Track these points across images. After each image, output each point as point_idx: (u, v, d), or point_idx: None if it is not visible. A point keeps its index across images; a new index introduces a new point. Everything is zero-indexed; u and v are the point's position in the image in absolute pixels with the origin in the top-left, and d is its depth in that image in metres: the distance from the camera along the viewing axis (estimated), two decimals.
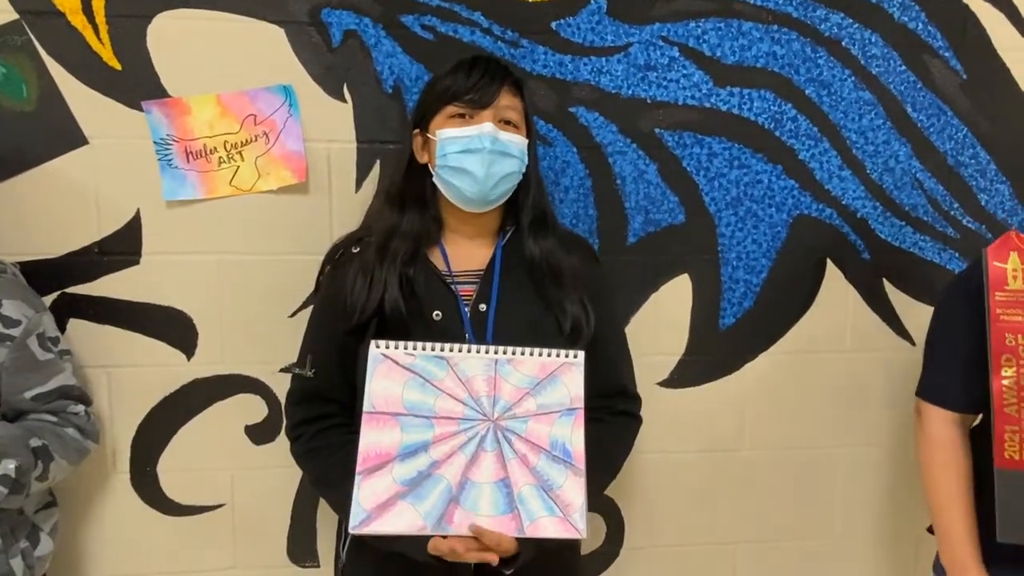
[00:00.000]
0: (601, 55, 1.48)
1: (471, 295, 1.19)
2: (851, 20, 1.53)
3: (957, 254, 1.63)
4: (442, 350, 1.12)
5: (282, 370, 1.26)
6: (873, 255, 1.61)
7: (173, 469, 1.48)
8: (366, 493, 1.06)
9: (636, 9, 1.48)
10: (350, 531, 1.05)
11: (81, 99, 1.37)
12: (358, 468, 1.07)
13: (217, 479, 1.49)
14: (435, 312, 1.17)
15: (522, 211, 1.23)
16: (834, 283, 1.61)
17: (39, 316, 1.28)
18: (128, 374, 1.44)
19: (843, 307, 1.61)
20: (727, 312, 1.59)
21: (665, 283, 1.56)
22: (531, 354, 1.13)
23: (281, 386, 1.48)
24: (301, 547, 1.53)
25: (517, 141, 1.18)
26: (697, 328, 1.58)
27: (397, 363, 1.11)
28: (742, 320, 1.59)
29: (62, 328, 1.40)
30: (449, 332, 1.16)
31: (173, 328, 1.44)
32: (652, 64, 1.50)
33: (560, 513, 1.08)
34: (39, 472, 1.20)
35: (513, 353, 1.13)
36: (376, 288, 1.16)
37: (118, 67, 1.37)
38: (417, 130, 1.22)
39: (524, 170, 1.21)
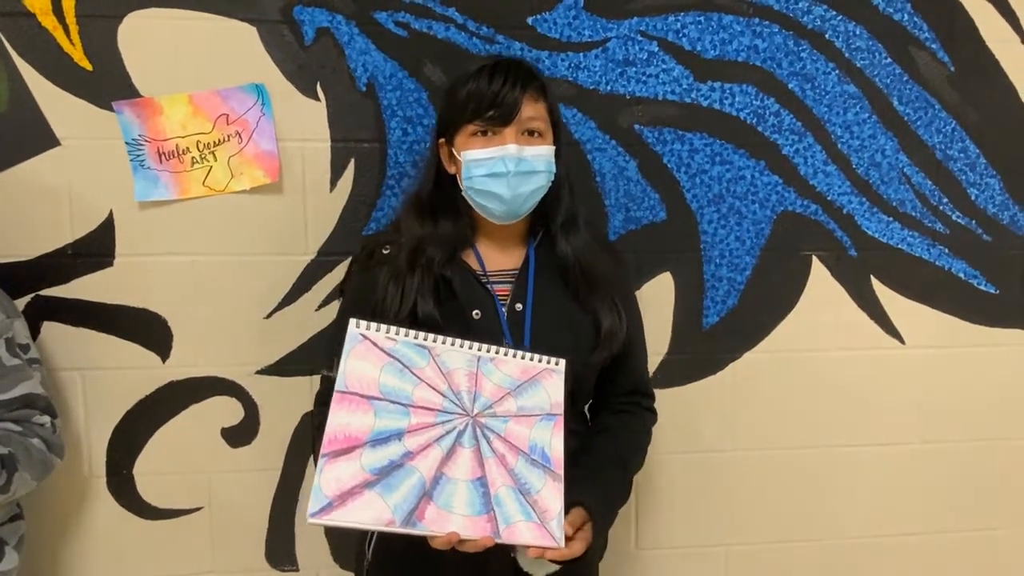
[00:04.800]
0: (579, 50, 1.46)
1: (507, 295, 1.18)
2: (835, 12, 1.51)
3: (947, 250, 1.60)
4: (424, 339, 1.07)
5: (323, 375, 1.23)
6: (860, 251, 1.58)
7: (149, 472, 1.46)
8: (329, 478, 0.97)
9: (614, 3, 1.45)
10: (308, 519, 0.97)
11: (52, 100, 1.36)
12: (323, 450, 0.99)
13: (194, 482, 1.48)
14: (474, 311, 1.16)
15: (552, 217, 1.21)
16: (820, 280, 1.58)
17: (9, 321, 1.26)
18: (103, 377, 1.43)
19: (830, 305, 1.58)
20: (710, 311, 1.56)
21: (647, 282, 1.53)
22: (513, 356, 1.10)
23: (257, 388, 1.47)
24: (280, 550, 1.51)
25: (543, 153, 1.15)
26: (680, 327, 1.55)
27: (376, 345, 1.05)
28: (726, 319, 1.56)
29: (36, 331, 1.39)
30: (488, 332, 1.14)
31: (147, 330, 1.43)
32: (631, 59, 1.47)
33: (537, 519, 1.03)
34: (2, 482, 1.17)
35: (496, 352, 1.10)
36: (408, 295, 1.14)
37: (89, 68, 1.36)
38: (443, 139, 1.19)
39: (553, 175, 1.18)
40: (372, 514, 0.97)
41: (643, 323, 1.32)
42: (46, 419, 1.27)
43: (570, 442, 1.19)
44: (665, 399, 1.54)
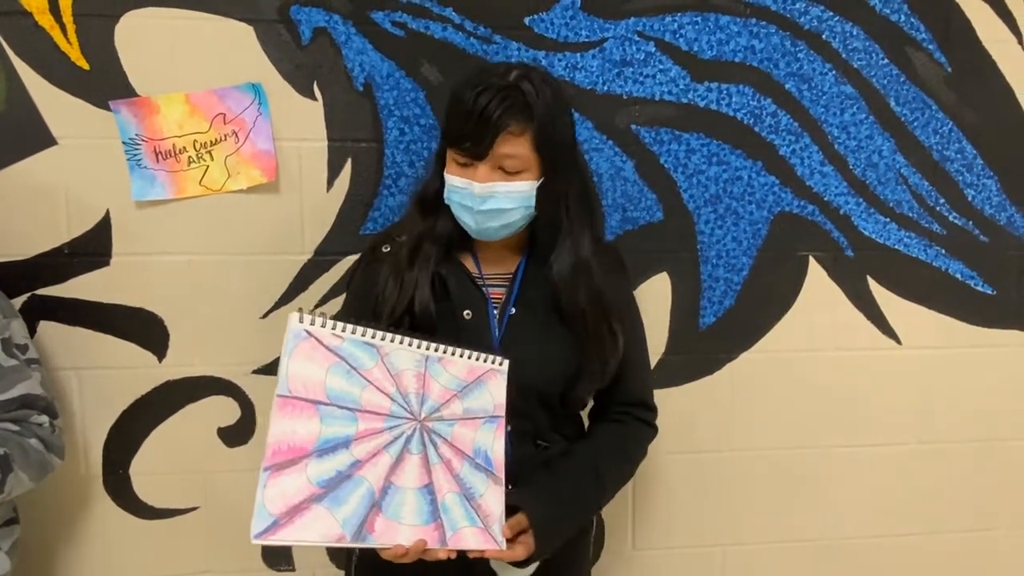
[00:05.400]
0: (576, 51, 1.46)
1: (501, 298, 1.18)
2: (832, 12, 1.51)
3: (943, 251, 1.60)
4: (372, 336, 1.01)
5: None
6: (857, 252, 1.58)
7: (145, 472, 1.46)
8: (273, 494, 0.91)
9: (611, 3, 1.45)
10: (252, 539, 0.90)
11: (49, 99, 1.36)
12: (266, 462, 0.92)
13: (190, 482, 1.48)
14: (465, 312, 1.15)
15: (545, 240, 1.17)
16: (817, 281, 1.58)
17: (6, 321, 1.26)
18: (99, 376, 1.43)
19: (827, 305, 1.59)
20: (707, 311, 1.56)
21: (644, 282, 1.53)
22: (460, 355, 1.07)
23: (253, 388, 1.46)
24: (276, 550, 1.51)
25: (516, 190, 1.10)
26: (677, 327, 1.56)
27: (321, 343, 0.98)
28: (723, 319, 1.56)
29: (32, 331, 1.39)
30: (478, 332, 1.15)
31: (144, 329, 1.43)
32: (628, 59, 1.47)
33: (481, 524, 1.03)
34: None
35: (444, 352, 1.06)
36: (407, 290, 1.14)
37: (86, 67, 1.36)
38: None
39: (532, 209, 1.14)
40: (320, 530, 0.93)
41: (643, 332, 1.29)
42: (44, 419, 1.26)
43: (559, 447, 1.20)
44: (662, 399, 1.52)
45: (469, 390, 1.07)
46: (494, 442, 1.07)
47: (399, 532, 0.97)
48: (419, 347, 1.05)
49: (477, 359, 1.09)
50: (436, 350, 1.06)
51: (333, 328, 1.00)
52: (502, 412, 1.09)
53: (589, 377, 1.17)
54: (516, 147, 1.09)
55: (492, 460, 1.07)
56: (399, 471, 0.99)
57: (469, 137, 1.08)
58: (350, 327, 1.01)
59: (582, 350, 1.16)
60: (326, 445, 0.96)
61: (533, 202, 1.13)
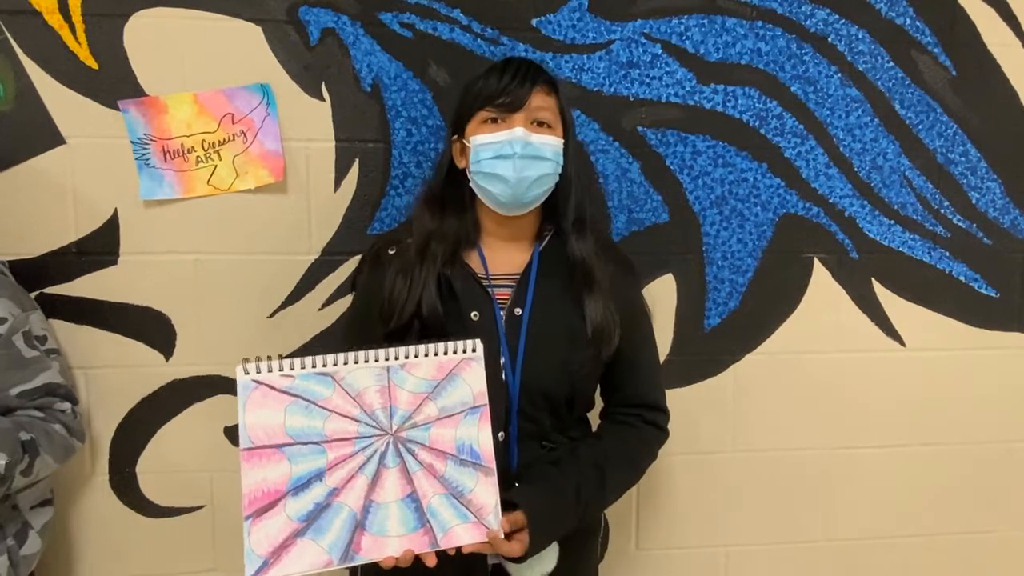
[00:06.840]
0: (583, 52, 1.47)
1: (507, 299, 1.18)
2: (837, 16, 1.51)
3: (947, 253, 1.61)
4: (324, 365, 1.03)
5: None
6: (861, 254, 1.58)
7: (152, 471, 1.47)
8: (258, 538, 0.97)
9: (618, 5, 1.46)
10: None
11: (58, 98, 1.36)
12: (245, 511, 0.98)
13: (196, 480, 1.48)
14: (472, 313, 1.16)
15: (562, 214, 1.21)
16: (822, 283, 1.58)
17: (26, 315, 1.29)
18: (106, 375, 1.43)
19: (831, 307, 1.59)
20: (712, 312, 1.57)
21: (649, 283, 1.54)
22: (425, 354, 1.06)
23: None
24: None
25: (551, 143, 1.16)
26: (682, 328, 1.56)
27: (273, 388, 1.01)
28: (727, 320, 1.57)
29: None
30: (485, 334, 1.14)
31: (151, 328, 1.43)
32: (634, 61, 1.48)
33: (473, 518, 1.03)
34: (24, 466, 1.19)
35: (406, 356, 1.06)
36: (415, 290, 1.15)
37: (95, 66, 1.36)
38: (456, 136, 1.20)
39: (560, 171, 1.19)
40: (308, 560, 0.97)
41: (653, 336, 1.30)
42: (67, 405, 1.31)
43: (566, 448, 1.20)
44: (667, 400, 1.55)
45: (442, 388, 1.07)
46: (479, 433, 1.06)
47: (387, 545, 1.00)
48: (377, 360, 1.05)
49: (446, 352, 1.07)
50: (396, 358, 1.06)
51: (281, 369, 1.02)
52: (484, 400, 1.08)
53: (582, 356, 1.17)
54: (548, 101, 1.18)
55: (479, 452, 1.06)
56: (378, 488, 1.01)
57: (505, 92, 1.15)
58: (299, 362, 1.02)
59: (587, 331, 1.17)
60: (299, 482, 1.00)
61: (563, 160, 1.18)
